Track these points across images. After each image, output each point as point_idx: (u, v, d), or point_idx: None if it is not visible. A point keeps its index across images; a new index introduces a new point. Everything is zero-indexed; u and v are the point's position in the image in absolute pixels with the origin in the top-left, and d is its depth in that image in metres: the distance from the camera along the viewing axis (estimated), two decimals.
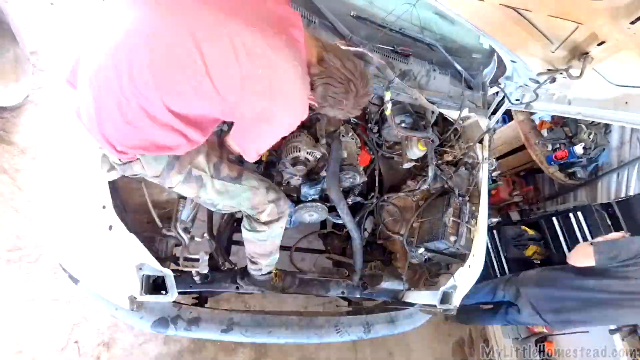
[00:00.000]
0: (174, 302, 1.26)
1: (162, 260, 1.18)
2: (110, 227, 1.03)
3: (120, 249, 1.05)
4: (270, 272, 1.46)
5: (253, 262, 1.40)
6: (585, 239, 2.28)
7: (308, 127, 1.52)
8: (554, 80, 1.44)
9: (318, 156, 1.46)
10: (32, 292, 1.89)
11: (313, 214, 1.56)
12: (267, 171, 1.51)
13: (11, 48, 2.03)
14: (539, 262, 2.54)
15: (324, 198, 1.59)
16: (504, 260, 2.67)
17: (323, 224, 1.98)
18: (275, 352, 2.37)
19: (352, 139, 1.58)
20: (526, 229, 2.59)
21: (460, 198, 1.59)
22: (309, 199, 1.54)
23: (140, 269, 1.07)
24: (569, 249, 2.34)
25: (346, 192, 1.62)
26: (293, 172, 1.45)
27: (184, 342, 2.17)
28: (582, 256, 1.82)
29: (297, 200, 1.56)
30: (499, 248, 2.70)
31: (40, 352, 1.82)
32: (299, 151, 1.41)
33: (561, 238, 2.39)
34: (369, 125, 1.73)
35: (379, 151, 1.73)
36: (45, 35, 2.33)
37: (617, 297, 1.78)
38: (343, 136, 1.56)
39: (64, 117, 1.05)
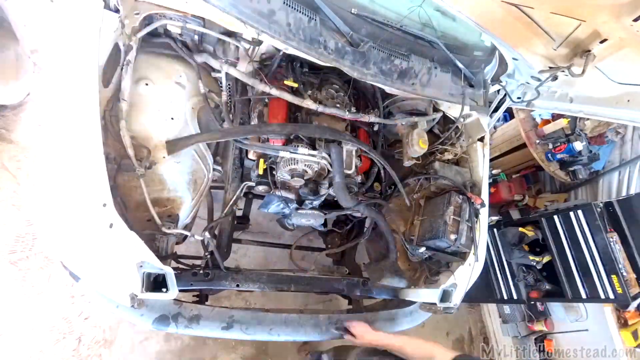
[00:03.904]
0: (174, 299, 1.27)
1: (163, 258, 1.19)
2: (111, 225, 1.02)
3: (121, 247, 1.05)
4: None
5: None
6: (585, 237, 2.27)
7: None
8: (555, 78, 1.43)
9: (316, 168, 1.46)
10: (33, 290, 1.89)
11: (310, 220, 1.59)
12: (266, 178, 1.52)
13: (12, 46, 2.03)
14: (542, 263, 2.53)
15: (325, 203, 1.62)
16: (504, 259, 2.67)
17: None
18: (275, 350, 2.38)
19: (352, 147, 1.56)
20: (524, 230, 2.58)
21: (461, 196, 1.59)
22: (309, 206, 1.57)
23: (141, 266, 1.07)
24: (570, 248, 2.33)
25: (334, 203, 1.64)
26: (292, 184, 1.47)
27: (184, 340, 2.18)
28: None
29: (298, 202, 1.57)
30: (499, 247, 2.69)
31: (42, 349, 1.83)
32: (297, 163, 1.41)
33: (562, 237, 2.38)
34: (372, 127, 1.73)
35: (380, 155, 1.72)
36: (45, 33, 2.33)
37: None
38: (342, 145, 1.55)
39: (64, 115, 1.05)
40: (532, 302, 2.79)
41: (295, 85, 1.43)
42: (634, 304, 2.34)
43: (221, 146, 1.67)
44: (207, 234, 1.33)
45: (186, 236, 1.32)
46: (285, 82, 1.41)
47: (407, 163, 1.63)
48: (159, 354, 2.10)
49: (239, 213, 1.96)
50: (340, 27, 1.26)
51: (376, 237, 1.86)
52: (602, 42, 1.18)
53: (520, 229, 2.59)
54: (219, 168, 1.60)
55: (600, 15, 1.05)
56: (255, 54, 1.39)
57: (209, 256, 1.38)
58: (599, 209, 2.27)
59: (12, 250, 1.90)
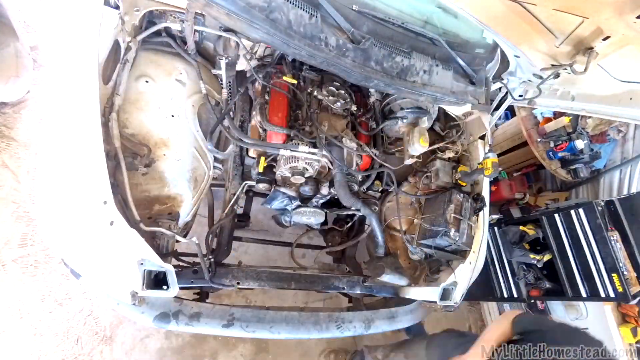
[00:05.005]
0: (175, 297, 1.27)
1: (164, 255, 1.19)
2: (112, 223, 1.02)
3: (122, 245, 1.05)
4: None
5: None
6: (586, 235, 2.27)
7: (309, 132, 1.51)
8: (557, 75, 1.43)
9: (317, 166, 1.45)
10: (33, 288, 1.90)
11: (311, 218, 1.58)
12: (266, 176, 1.51)
13: (11, 43, 2.02)
14: (543, 261, 2.53)
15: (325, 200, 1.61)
16: (504, 258, 2.67)
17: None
18: (276, 347, 2.38)
19: (353, 144, 1.53)
20: (525, 229, 2.57)
21: (462, 194, 1.59)
22: (314, 204, 1.56)
23: (142, 264, 1.07)
24: (571, 247, 2.33)
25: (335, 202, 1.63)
26: (292, 182, 1.46)
27: (185, 337, 2.19)
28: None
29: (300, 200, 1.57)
30: (500, 246, 2.69)
31: (41, 347, 1.84)
32: (297, 161, 1.40)
33: (562, 235, 2.38)
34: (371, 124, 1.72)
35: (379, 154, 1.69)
36: (45, 29, 2.32)
37: None
38: (343, 142, 1.54)
39: (64, 112, 1.05)
40: (533, 301, 2.79)
41: (294, 81, 1.42)
42: (634, 302, 2.34)
43: (221, 144, 1.67)
44: (195, 239, 1.23)
45: (186, 234, 1.32)
46: (284, 78, 1.41)
47: (407, 161, 1.63)
48: (160, 351, 2.10)
49: (240, 211, 1.96)
50: (341, 24, 1.25)
51: None
52: (605, 39, 1.17)
53: (521, 227, 2.59)
54: (220, 166, 1.60)
55: (603, 12, 1.05)
56: (255, 51, 1.38)
57: (212, 259, 1.37)
58: (600, 208, 2.26)
59: (12, 248, 1.90)
